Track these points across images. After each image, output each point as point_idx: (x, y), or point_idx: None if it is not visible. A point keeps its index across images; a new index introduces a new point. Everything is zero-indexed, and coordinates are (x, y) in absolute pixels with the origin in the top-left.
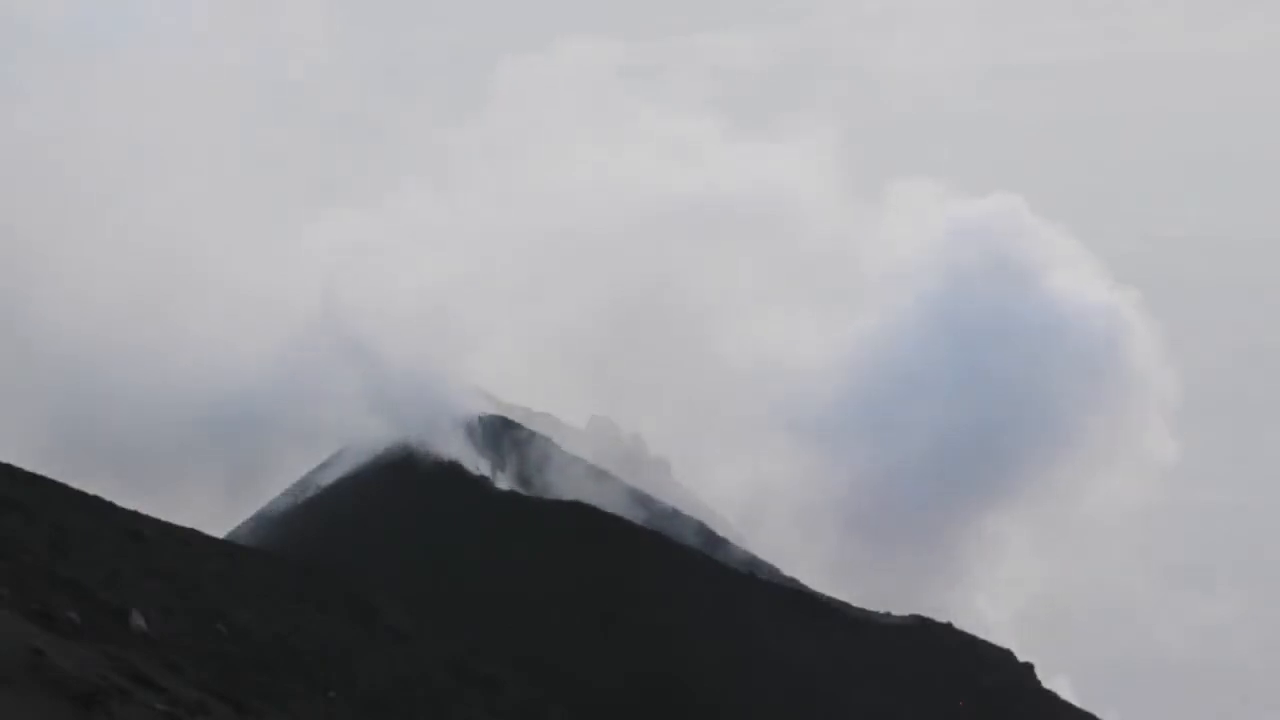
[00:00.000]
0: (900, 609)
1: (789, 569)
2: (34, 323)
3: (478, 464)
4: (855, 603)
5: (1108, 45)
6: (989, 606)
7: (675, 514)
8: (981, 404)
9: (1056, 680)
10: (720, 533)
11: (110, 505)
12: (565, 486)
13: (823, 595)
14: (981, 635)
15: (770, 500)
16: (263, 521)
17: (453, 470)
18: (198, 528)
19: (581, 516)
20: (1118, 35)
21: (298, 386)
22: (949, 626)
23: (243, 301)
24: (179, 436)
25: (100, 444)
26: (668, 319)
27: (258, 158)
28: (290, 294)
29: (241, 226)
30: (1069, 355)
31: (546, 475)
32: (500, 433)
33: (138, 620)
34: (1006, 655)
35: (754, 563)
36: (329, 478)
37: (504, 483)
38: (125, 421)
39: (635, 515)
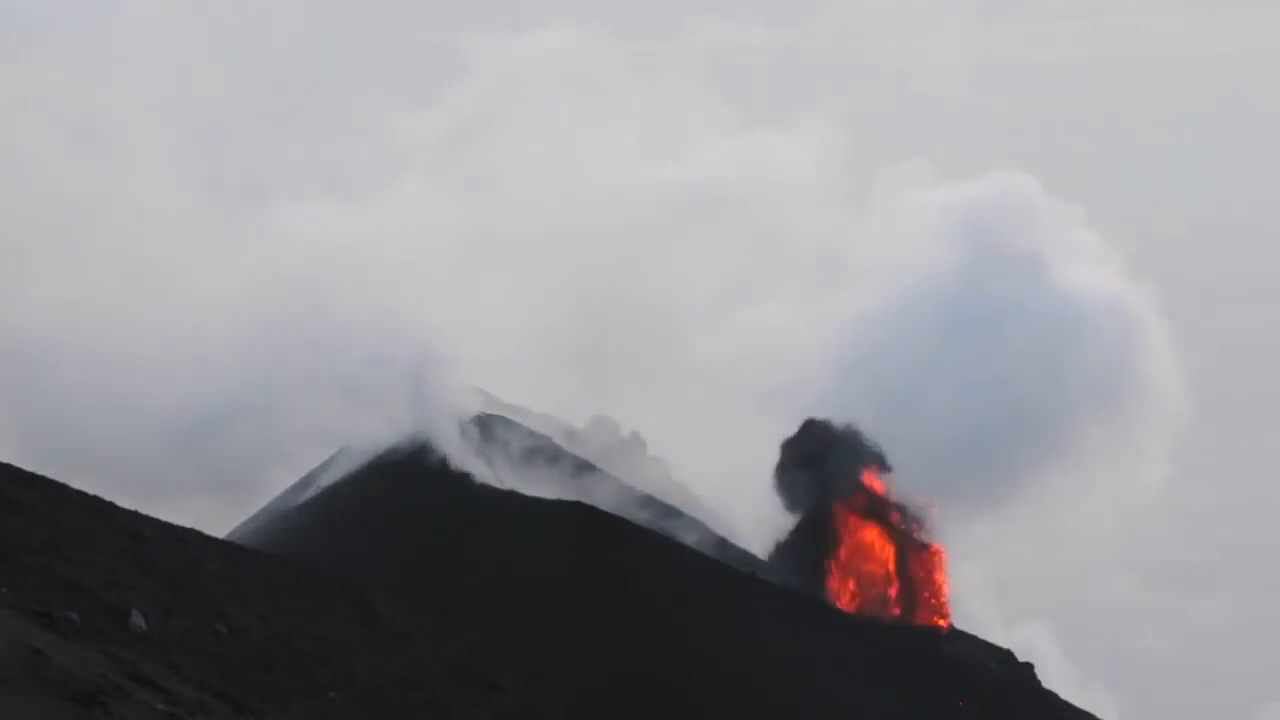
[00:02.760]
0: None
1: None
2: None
3: (477, 463)
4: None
5: (1110, 45)
6: (988, 606)
7: (676, 513)
8: (980, 400)
9: (1056, 680)
10: (720, 531)
11: (110, 505)
12: (566, 486)
13: (823, 595)
14: (981, 635)
15: (766, 498)
16: (263, 521)
17: (452, 469)
18: (198, 528)
19: (582, 516)
20: (1120, 34)
21: (290, 386)
22: (949, 626)
23: (222, 299)
24: (161, 440)
25: (81, 450)
26: (660, 314)
27: (229, 148)
28: (275, 290)
29: (217, 219)
30: (1071, 351)
31: (547, 475)
32: (499, 432)
33: (138, 620)
34: (1006, 655)
35: (754, 561)
36: (329, 478)
37: (504, 482)
38: (106, 426)
39: (636, 515)
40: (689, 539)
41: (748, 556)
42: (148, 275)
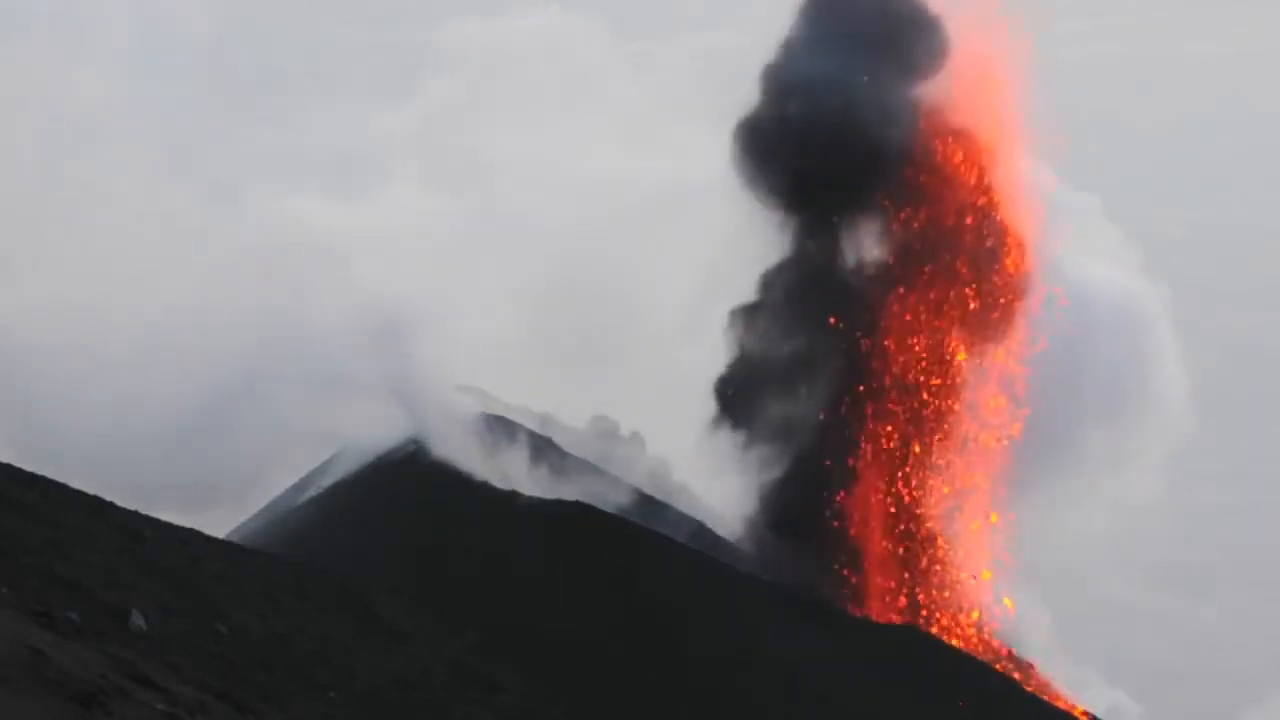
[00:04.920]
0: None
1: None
2: None
3: (477, 463)
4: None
5: (1110, 45)
6: (988, 606)
7: (676, 512)
8: None
9: (1057, 681)
10: (720, 531)
11: (110, 505)
12: (566, 485)
13: (824, 596)
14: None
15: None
16: (263, 521)
17: (452, 469)
18: (198, 528)
19: (583, 516)
20: (1120, 34)
21: (287, 386)
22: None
23: (216, 298)
24: (160, 440)
25: (79, 451)
26: (655, 311)
27: (224, 144)
28: (272, 289)
29: (212, 216)
30: (1073, 350)
31: (547, 474)
32: (499, 431)
33: (138, 620)
34: (1006, 655)
35: (753, 562)
36: (329, 478)
37: (504, 481)
38: (102, 426)
39: (636, 515)
40: (689, 538)
41: (748, 556)
42: (144, 273)
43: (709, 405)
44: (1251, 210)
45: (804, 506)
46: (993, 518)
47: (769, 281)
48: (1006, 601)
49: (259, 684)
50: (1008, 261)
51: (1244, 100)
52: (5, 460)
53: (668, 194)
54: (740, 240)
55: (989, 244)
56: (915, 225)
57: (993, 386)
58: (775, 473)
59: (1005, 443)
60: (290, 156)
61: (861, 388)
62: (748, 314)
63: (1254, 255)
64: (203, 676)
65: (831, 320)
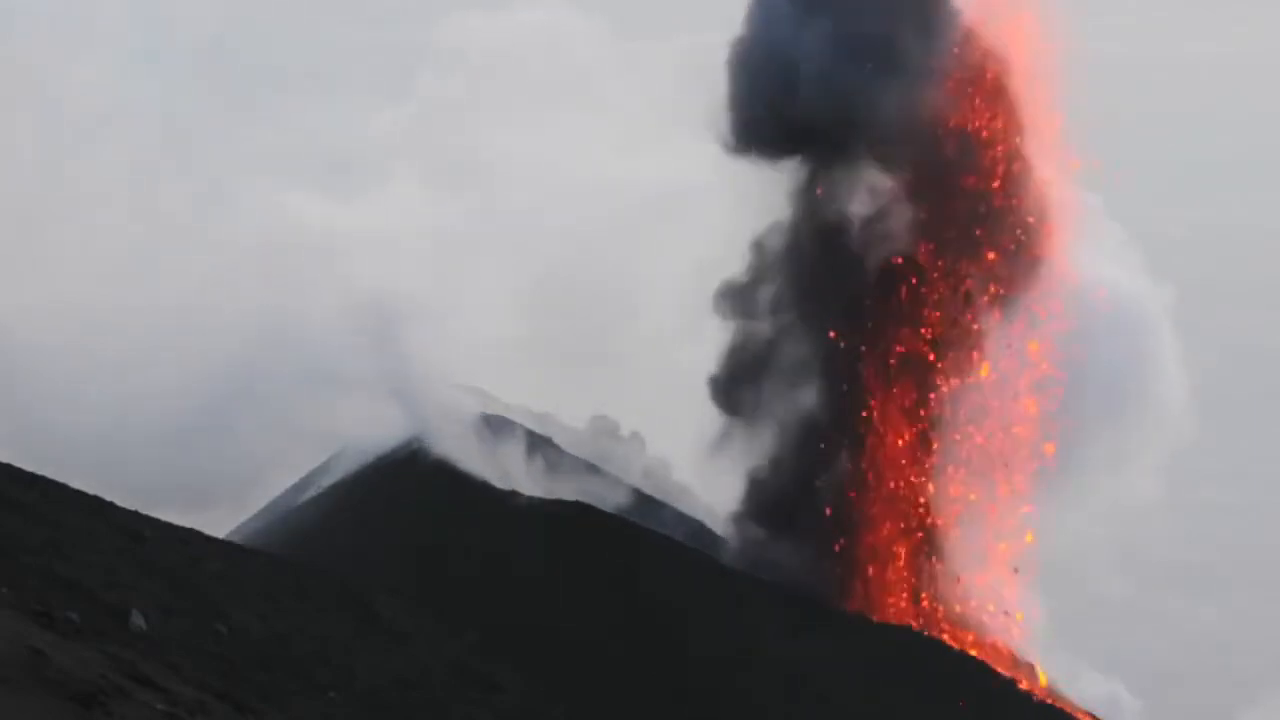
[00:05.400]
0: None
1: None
2: None
3: (477, 462)
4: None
5: (1110, 45)
6: (990, 607)
7: (676, 513)
8: None
9: (1058, 681)
10: (720, 531)
11: (110, 505)
12: (566, 485)
13: (824, 596)
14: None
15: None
16: (263, 521)
17: (452, 469)
18: (198, 528)
19: (583, 516)
20: (1120, 34)
21: (286, 386)
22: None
23: (214, 298)
24: (159, 441)
25: (79, 451)
26: (651, 312)
27: (206, 141)
28: (270, 289)
29: (210, 216)
30: (1074, 350)
31: (547, 474)
32: (500, 431)
33: (138, 620)
34: (1008, 656)
35: (752, 562)
36: (329, 478)
37: (503, 481)
38: (102, 427)
39: (636, 514)
40: (688, 538)
41: (747, 556)
42: (143, 273)
43: (709, 405)
44: (1251, 210)
45: (803, 504)
46: (1028, 537)
47: (762, 252)
48: (1041, 676)
49: (259, 684)
50: (1043, 228)
51: (1244, 100)
52: (5, 460)
53: (667, 193)
54: (740, 239)
55: (1014, 220)
56: (933, 194)
57: (1024, 384)
58: (773, 468)
59: (1036, 463)
60: (289, 155)
61: (868, 380)
62: (739, 292)
63: (1254, 255)
64: (203, 676)
65: (835, 300)
